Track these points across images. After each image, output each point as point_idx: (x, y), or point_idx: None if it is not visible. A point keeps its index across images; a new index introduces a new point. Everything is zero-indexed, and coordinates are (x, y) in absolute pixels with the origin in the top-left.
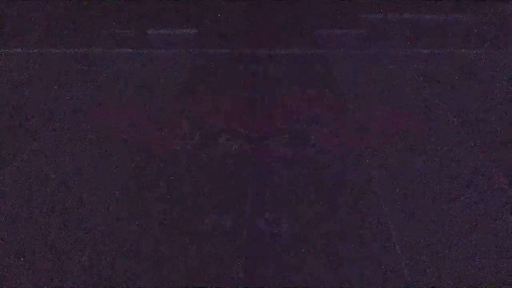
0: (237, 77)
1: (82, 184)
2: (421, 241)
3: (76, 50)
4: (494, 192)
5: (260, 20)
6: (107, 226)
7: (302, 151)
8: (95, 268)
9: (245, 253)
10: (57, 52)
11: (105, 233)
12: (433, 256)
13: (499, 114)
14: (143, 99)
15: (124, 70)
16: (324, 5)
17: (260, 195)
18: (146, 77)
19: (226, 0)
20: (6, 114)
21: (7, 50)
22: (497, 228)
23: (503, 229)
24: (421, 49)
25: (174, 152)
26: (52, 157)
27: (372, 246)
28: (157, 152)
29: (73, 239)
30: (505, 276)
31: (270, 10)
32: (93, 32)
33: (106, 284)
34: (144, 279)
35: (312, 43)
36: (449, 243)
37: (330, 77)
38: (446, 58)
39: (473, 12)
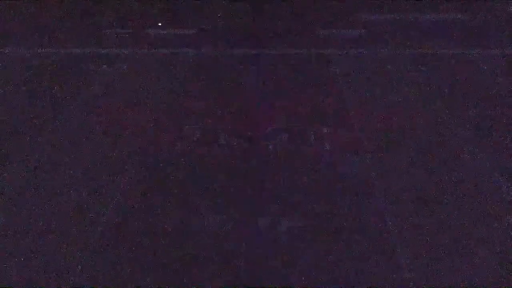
0: (237, 77)
1: (83, 184)
2: (421, 241)
3: (76, 50)
4: (493, 191)
5: (260, 20)
6: (107, 226)
7: (301, 151)
8: (96, 268)
9: (245, 253)
10: (57, 53)
11: (105, 232)
12: (433, 255)
13: (499, 113)
14: (142, 99)
15: (124, 70)
16: (324, 5)
17: (260, 195)
18: (146, 77)
19: (226, 0)
20: (8, 114)
21: (7, 50)
22: (497, 229)
23: (503, 229)
24: (421, 49)
25: (174, 152)
26: (53, 156)
27: (371, 245)
28: (157, 152)
29: (73, 239)
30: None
31: (270, 10)
32: (93, 32)
33: (107, 284)
34: (143, 279)
35: (312, 43)
36: (449, 242)
37: (330, 77)
38: (446, 58)
39: (472, 12)
